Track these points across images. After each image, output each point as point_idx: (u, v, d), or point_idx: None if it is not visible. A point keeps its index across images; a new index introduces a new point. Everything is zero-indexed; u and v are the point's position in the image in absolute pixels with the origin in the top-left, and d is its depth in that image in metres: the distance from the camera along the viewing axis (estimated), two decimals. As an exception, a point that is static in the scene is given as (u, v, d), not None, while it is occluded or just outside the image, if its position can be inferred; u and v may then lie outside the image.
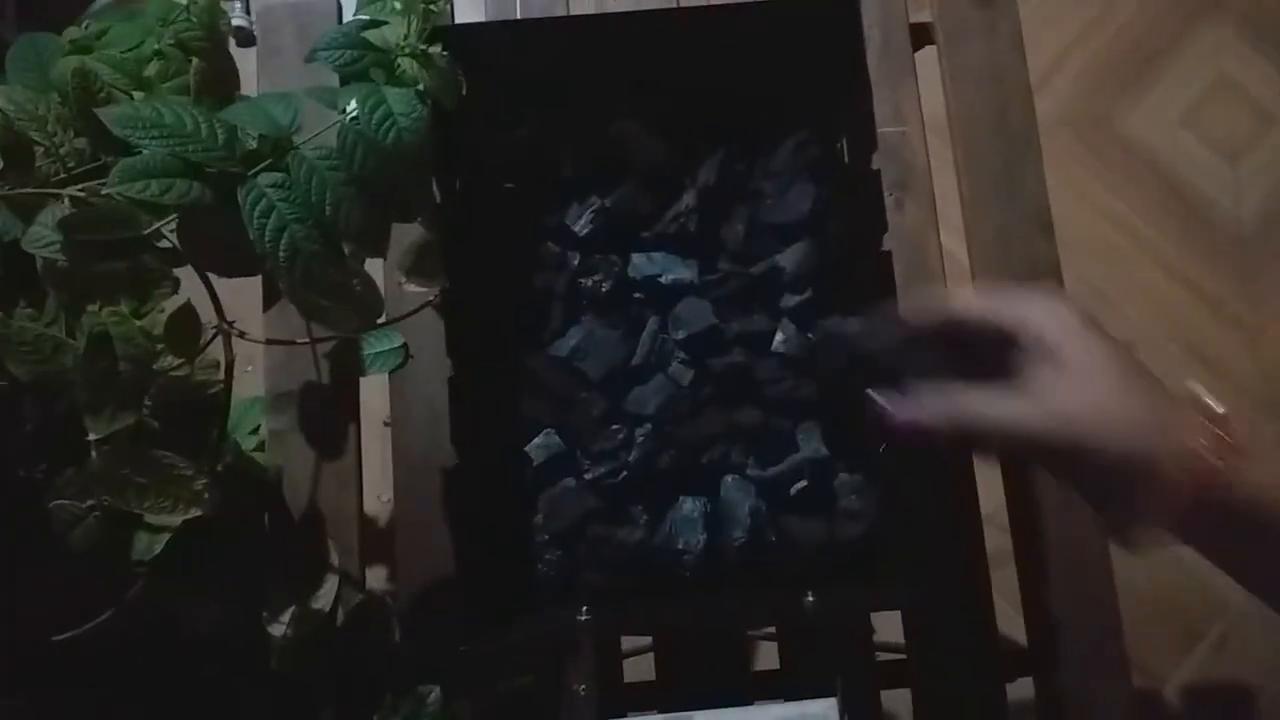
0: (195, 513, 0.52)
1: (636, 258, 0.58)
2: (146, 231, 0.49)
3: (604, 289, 0.58)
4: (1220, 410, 0.41)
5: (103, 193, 0.47)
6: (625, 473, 0.56)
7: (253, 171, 0.50)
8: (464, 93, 0.53)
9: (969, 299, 0.46)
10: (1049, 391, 0.41)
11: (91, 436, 0.49)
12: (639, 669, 0.65)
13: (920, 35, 0.74)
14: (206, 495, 0.51)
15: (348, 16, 0.74)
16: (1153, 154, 1.46)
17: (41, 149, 0.57)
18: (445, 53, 0.52)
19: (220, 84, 0.60)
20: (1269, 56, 1.49)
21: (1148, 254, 1.44)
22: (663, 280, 0.57)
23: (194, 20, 0.62)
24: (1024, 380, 0.42)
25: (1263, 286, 1.42)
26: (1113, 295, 1.41)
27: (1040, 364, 0.42)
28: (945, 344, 0.46)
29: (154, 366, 0.52)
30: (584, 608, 0.52)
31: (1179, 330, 1.41)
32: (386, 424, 0.85)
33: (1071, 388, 0.41)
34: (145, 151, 0.50)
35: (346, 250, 0.52)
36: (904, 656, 0.66)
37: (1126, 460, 0.40)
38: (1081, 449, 0.41)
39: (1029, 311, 0.44)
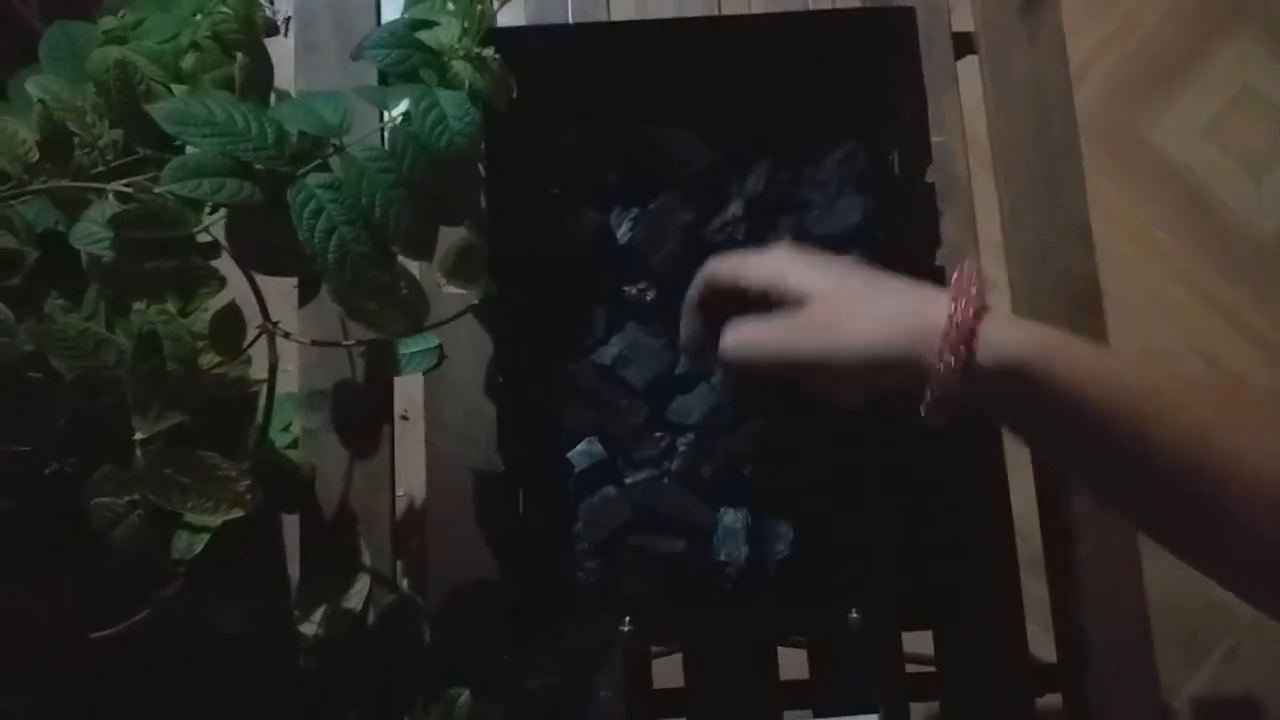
0: (237, 513, 0.51)
1: None
2: (195, 231, 0.49)
3: (648, 298, 0.57)
4: (975, 274, 0.44)
5: (155, 190, 0.47)
6: (667, 482, 0.56)
7: (301, 172, 0.50)
8: (514, 96, 0.53)
9: (717, 273, 0.50)
10: (816, 324, 0.46)
11: (138, 435, 0.49)
12: (667, 674, 0.65)
13: (961, 45, 0.74)
14: (248, 496, 0.51)
15: (385, 12, 0.73)
16: (1175, 166, 1.46)
17: (78, 139, 0.56)
18: (497, 55, 0.52)
19: (260, 79, 0.59)
20: (1294, 69, 1.49)
21: (1169, 266, 1.44)
22: None
23: (229, 12, 0.61)
24: (798, 317, 0.47)
25: (1284, 300, 1.42)
26: (1133, 306, 1.41)
27: (801, 306, 0.46)
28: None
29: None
30: (627, 618, 0.52)
31: (1198, 343, 1.41)
32: (404, 417, 0.85)
33: (830, 314, 0.46)
34: (193, 149, 0.50)
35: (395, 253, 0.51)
36: (932, 669, 0.66)
37: (890, 353, 0.44)
38: (855, 363, 0.45)
39: (768, 269, 0.48)
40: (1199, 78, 1.50)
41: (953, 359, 0.42)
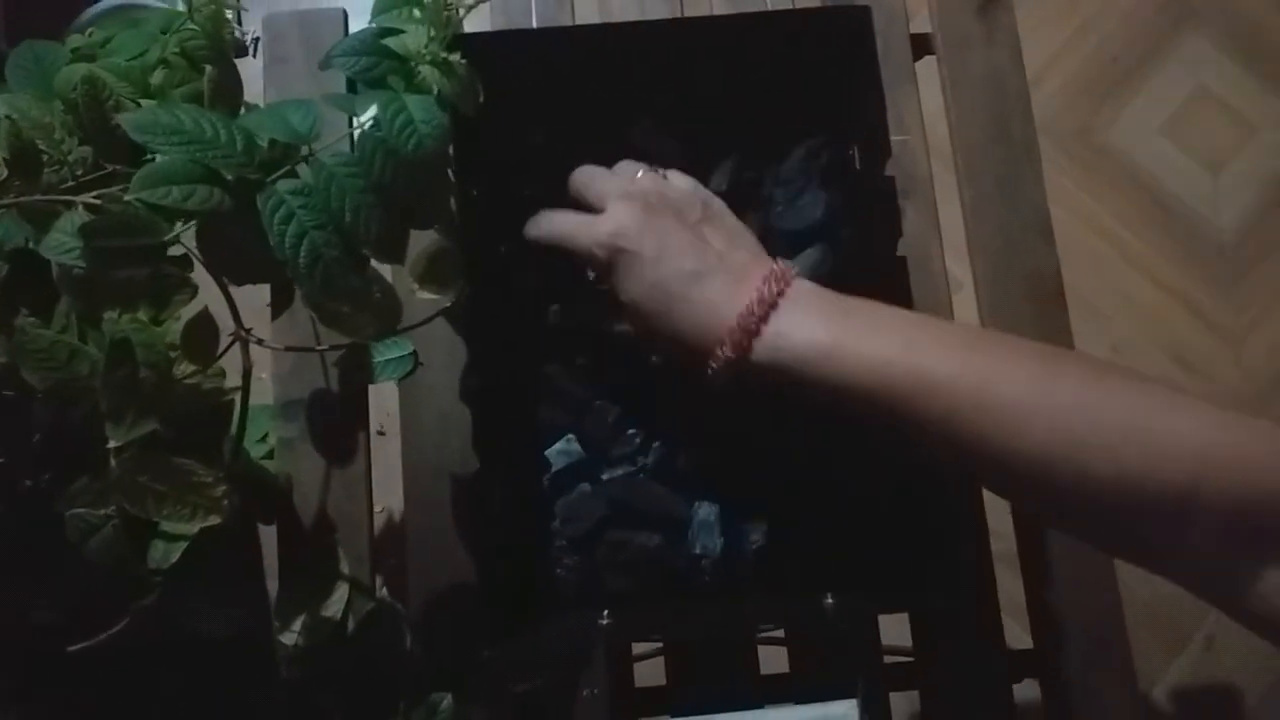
0: (214, 520, 0.51)
1: None
2: (167, 238, 0.49)
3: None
4: (787, 269, 0.50)
5: (125, 198, 0.47)
6: (642, 477, 0.57)
7: (271, 178, 0.50)
8: (482, 100, 0.53)
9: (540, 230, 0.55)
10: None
11: (112, 444, 0.49)
12: (649, 673, 0.66)
13: (920, 45, 0.75)
14: (225, 503, 0.51)
15: (353, 25, 0.74)
16: (1134, 164, 1.49)
17: (46, 157, 0.56)
18: (464, 60, 0.52)
19: (228, 92, 0.60)
20: (1247, 67, 1.53)
21: (1131, 262, 1.47)
22: None
23: (198, 29, 0.62)
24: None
25: (1244, 293, 1.45)
26: (1097, 303, 1.44)
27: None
28: None
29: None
30: (605, 611, 0.52)
31: (1163, 337, 1.44)
32: (380, 433, 0.85)
33: (638, 321, 0.52)
34: (163, 158, 0.50)
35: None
36: (910, 659, 0.66)
37: (681, 354, 0.51)
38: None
39: (590, 253, 0.52)
40: (1155, 79, 1.53)
41: (731, 354, 0.48)
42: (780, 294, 0.48)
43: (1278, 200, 1.48)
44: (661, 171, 0.55)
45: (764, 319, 0.48)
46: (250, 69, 0.73)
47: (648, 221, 0.51)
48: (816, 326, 0.48)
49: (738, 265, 0.51)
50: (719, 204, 0.55)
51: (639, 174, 0.55)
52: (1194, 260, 1.46)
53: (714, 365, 0.49)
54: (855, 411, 0.48)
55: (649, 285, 0.50)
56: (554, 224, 0.54)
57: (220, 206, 0.49)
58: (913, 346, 0.46)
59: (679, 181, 0.55)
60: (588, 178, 0.55)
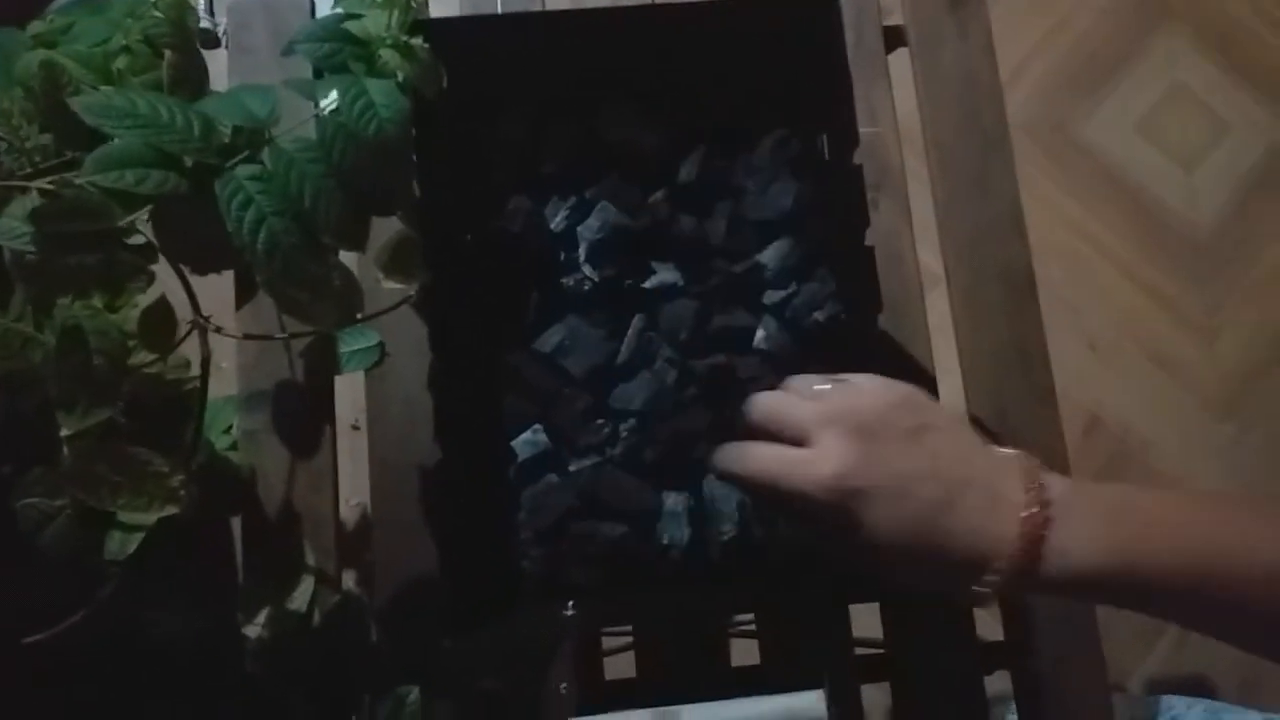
0: (171, 511, 0.50)
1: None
2: (120, 224, 0.48)
3: (585, 287, 0.57)
4: (1032, 467, 0.45)
5: (76, 182, 0.46)
6: (610, 468, 0.56)
7: (230, 164, 0.50)
8: (445, 84, 0.53)
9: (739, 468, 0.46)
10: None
11: (64, 432, 0.48)
12: (619, 666, 0.65)
13: (892, 38, 0.75)
14: (182, 493, 0.50)
15: (320, 13, 0.73)
16: (1110, 161, 1.50)
17: (5, 144, 0.55)
18: (426, 44, 0.52)
19: (191, 80, 0.59)
20: (1221, 66, 1.54)
21: (1106, 258, 1.47)
22: (645, 285, 0.58)
23: (161, 16, 0.61)
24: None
25: (1218, 290, 1.46)
26: (1072, 299, 1.44)
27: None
28: None
29: (128, 362, 0.51)
30: (569, 602, 0.51)
31: (1137, 332, 1.44)
32: (355, 427, 0.84)
33: (882, 560, 0.45)
34: (117, 141, 0.49)
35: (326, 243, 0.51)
36: (882, 651, 0.66)
37: (938, 587, 0.45)
38: (900, 582, 0.45)
39: (795, 495, 0.44)
40: (1131, 75, 1.54)
41: (1012, 577, 0.43)
42: (1046, 505, 0.44)
43: (1251, 197, 1.49)
44: (842, 377, 0.48)
45: (1039, 540, 0.43)
46: (221, 60, 0.72)
47: (870, 451, 0.44)
48: (1098, 543, 0.43)
49: (983, 477, 0.45)
50: (920, 396, 0.47)
51: (817, 388, 0.47)
52: (1168, 256, 1.47)
53: (985, 589, 0.44)
54: (1138, 609, 0.46)
55: (896, 524, 0.44)
56: (759, 462, 0.45)
57: (176, 191, 0.48)
58: (1202, 552, 0.44)
59: (869, 385, 0.47)
60: (774, 407, 0.47)
